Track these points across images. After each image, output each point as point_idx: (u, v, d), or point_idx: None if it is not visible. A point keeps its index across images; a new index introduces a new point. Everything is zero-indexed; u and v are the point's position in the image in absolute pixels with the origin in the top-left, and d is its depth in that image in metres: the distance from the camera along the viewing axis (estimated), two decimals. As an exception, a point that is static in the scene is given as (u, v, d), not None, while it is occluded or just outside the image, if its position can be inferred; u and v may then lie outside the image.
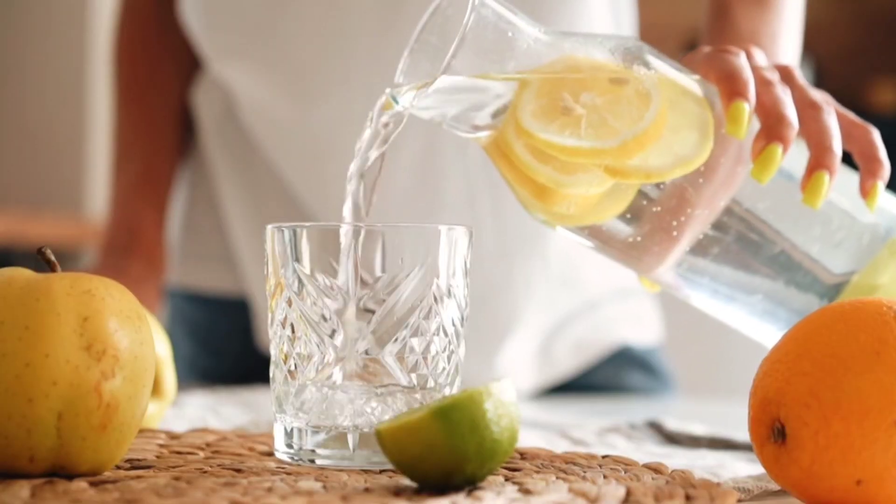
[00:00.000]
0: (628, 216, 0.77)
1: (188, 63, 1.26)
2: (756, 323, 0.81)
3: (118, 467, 0.69)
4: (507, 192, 1.15)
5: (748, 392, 0.66)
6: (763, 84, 0.78)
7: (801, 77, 0.81)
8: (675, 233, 0.77)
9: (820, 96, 0.80)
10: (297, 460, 0.71)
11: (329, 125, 1.15)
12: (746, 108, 0.75)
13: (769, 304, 0.80)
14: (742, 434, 0.83)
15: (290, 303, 0.71)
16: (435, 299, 0.70)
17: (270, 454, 0.74)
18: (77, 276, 0.65)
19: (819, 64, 3.54)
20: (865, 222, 0.79)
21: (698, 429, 0.89)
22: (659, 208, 0.77)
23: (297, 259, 0.71)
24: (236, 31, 1.16)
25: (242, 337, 1.26)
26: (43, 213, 3.03)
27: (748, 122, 0.75)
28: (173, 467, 0.69)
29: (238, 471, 0.68)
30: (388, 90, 0.76)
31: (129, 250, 1.23)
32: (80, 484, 0.63)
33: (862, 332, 0.63)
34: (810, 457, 0.62)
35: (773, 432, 0.63)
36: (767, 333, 0.82)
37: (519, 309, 1.19)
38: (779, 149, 0.75)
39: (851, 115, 0.80)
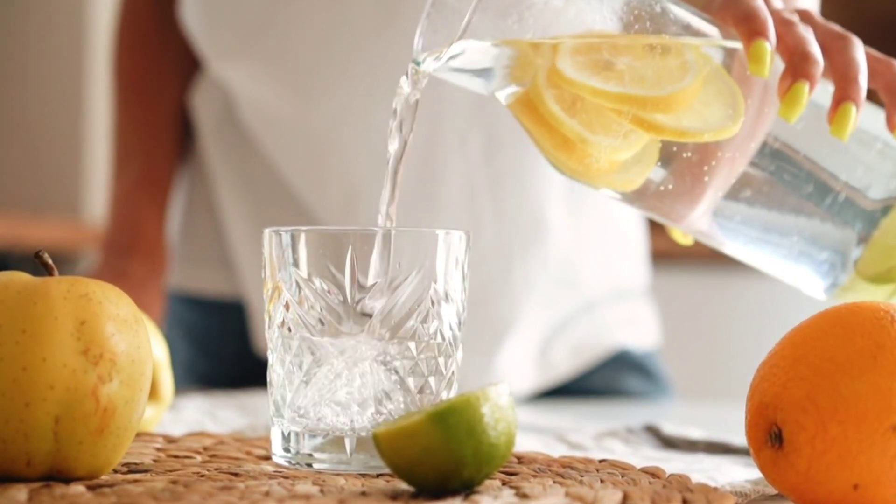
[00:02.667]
0: (658, 165, 0.77)
1: (187, 65, 1.27)
2: (793, 266, 0.80)
3: (115, 471, 0.69)
4: (507, 191, 1.15)
5: (745, 396, 0.66)
6: (783, 24, 0.77)
7: (821, 17, 0.81)
8: (706, 178, 0.77)
9: (843, 31, 0.79)
10: (294, 464, 0.71)
11: (329, 123, 1.15)
12: (767, 46, 0.75)
13: (805, 245, 0.79)
14: (739, 438, 0.83)
15: (287, 306, 0.71)
16: (432, 303, 0.70)
17: (268, 458, 0.74)
18: (74, 280, 0.65)
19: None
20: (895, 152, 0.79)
21: (695, 433, 0.89)
22: (689, 154, 0.76)
23: (295, 263, 0.71)
24: (236, 30, 1.16)
25: (239, 340, 1.25)
26: (41, 216, 3.03)
27: (771, 60, 0.75)
28: (170, 471, 0.69)
29: (235, 475, 0.68)
30: (412, 59, 0.76)
31: (131, 250, 1.23)
32: (78, 488, 0.63)
33: (859, 336, 0.63)
34: (807, 461, 0.62)
35: (770, 436, 0.63)
36: (805, 277, 0.81)
37: (518, 308, 1.19)
38: (805, 86, 0.75)
39: (874, 52, 0.80)
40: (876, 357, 0.62)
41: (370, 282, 0.69)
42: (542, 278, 1.19)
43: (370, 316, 0.70)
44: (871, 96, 0.79)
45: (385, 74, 1.13)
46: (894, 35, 3.58)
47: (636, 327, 1.28)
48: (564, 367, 1.24)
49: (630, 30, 0.75)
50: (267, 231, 0.72)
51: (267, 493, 0.63)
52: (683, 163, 0.76)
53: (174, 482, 0.65)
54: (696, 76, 0.75)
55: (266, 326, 0.73)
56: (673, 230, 0.85)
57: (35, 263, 0.68)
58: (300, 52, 1.14)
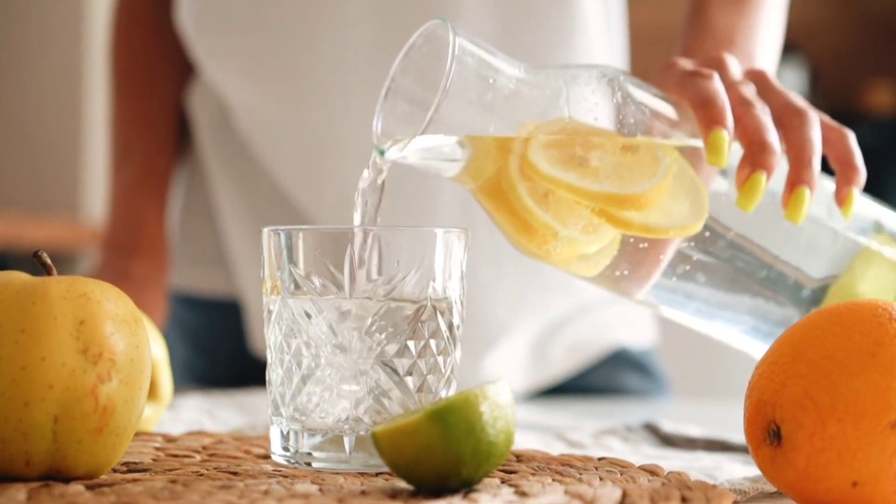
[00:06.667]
0: (617, 254, 0.77)
1: (183, 65, 1.27)
2: (741, 337, 0.82)
3: (115, 470, 0.69)
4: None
5: (744, 394, 0.66)
6: (741, 104, 0.77)
7: (776, 81, 0.81)
8: (660, 264, 0.77)
9: (799, 102, 0.79)
10: (293, 463, 0.71)
11: (322, 126, 1.15)
12: (726, 136, 0.75)
13: (753, 319, 0.80)
14: (738, 436, 0.83)
15: (286, 305, 0.71)
16: (431, 302, 0.70)
17: (267, 457, 0.74)
18: (73, 280, 0.65)
19: (815, 66, 3.55)
20: (841, 229, 0.79)
21: (694, 431, 0.89)
22: (646, 244, 0.77)
23: (293, 262, 0.71)
24: (225, 30, 1.16)
25: (236, 340, 1.25)
26: (39, 216, 3.03)
27: (728, 151, 0.75)
28: (170, 470, 0.69)
29: (234, 474, 0.68)
30: (374, 146, 0.76)
31: (133, 249, 1.23)
32: (77, 487, 0.63)
33: (857, 333, 0.63)
34: (806, 459, 0.62)
35: (768, 434, 0.63)
36: (753, 346, 0.82)
37: (512, 313, 1.18)
38: (763, 177, 0.75)
39: (827, 119, 0.80)
40: (874, 354, 0.62)
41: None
42: (536, 282, 1.19)
43: (369, 314, 0.70)
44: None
45: (379, 79, 1.13)
46: (893, 36, 3.58)
47: (633, 325, 1.28)
48: (562, 365, 1.24)
49: (593, 115, 0.75)
50: (266, 230, 0.72)
51: (266, 492, 0.63)
52: (640, 253, 0.77)
53: (173, 481, 0.65)
54: (666, 171, 0.76)
55: (265, 325, 0.73)
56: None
57: (34, 263, 0.68)
58: (292, 55, 1.14)
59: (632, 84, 0.77)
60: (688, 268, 0.78)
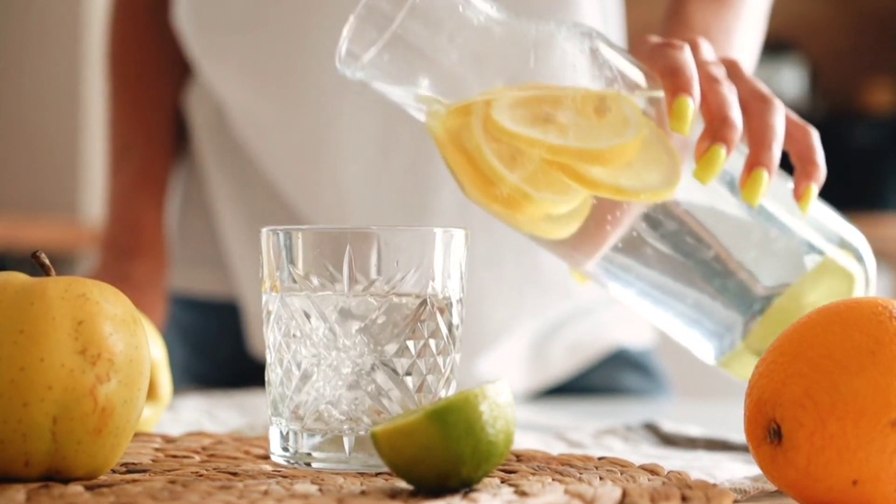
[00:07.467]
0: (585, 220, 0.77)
1: (181, 66, 1.26)
2: (682, 328, 0.81)
3: (114, 471, 0.69)
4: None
5: (744, 393, 0.66)
6: (708, 81, 0.77)
7: (748, 71, 0.81)
8: (608, 227, 0.77)
9: (767, 91, 0.79)
10: (293, 463, 0.71)
11: (318, 127, 1.14)
12: (691, 104, 0.75)
13: (695, 312, 0.79)
14: (738, 435, 0.83)
15: (285, 305, 0.71)
16: (430, 302, 0.70)
17: (266, 457, 0.74)
18: (72, 280, 0.65)
19: (814, 64, 3.55)
20: (799, 236, 0.79)
21: (694, 430, 0.89)
22: (612, 212, 0.76)
23: (292, 262, 0.71)
24: (222, 29, 1.16)
25: (235, 341, 1.25)
26: (38, 217, 3.03)
27: (693, 118, 0.75)
28: (169, 471, 0.69)
29: (234, 474, 0.68)
30: (337, 59, 0.75)
31: (132, 250, 1.23)
32: (76, 488, 0.63)
33: (857, 332, 0.63)
34: (806, 457, 0.62)
35: (769, 433, 0.63)
36: (694, 341, 0.81)
37: (511, 314, 1.18)
38: (722, 149, 0.75)
39: (793, 115, 0.80)
40: (874, 353, 0.62)
41: None
42: (534, 286, 1.19)
43: (368, 314, 0.70)
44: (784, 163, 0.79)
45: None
46: (892, 34, 3.59)
47: (632, 325, 1.28)
48: (562, 366, 1.24)
49: (565, 73, 0.75)
50: (264, 230, 0.72)
51: (266, 493, 0.63)
52: (603, 220, 0.76)
53: (173, 482, 0.65)
54: (636, 133, 0.75)
55: (264, 325, 0.73)
56: (573, 271, 0.85)
57: (32, 264, 0.68)
58: (288, 53, 1.14)
59: (606, 44, 0.77)
60: (640, 246, 0.77)
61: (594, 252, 0.78)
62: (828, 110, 3.47)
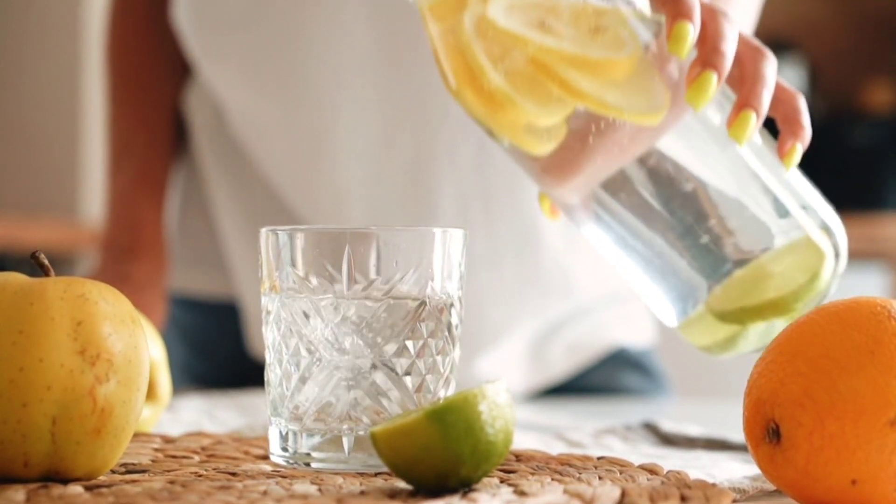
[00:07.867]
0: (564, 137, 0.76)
1: (180, 65, 1.26)
2: (648, 284, 0.80)
3: (113, 471, 0.69)
4: (499, 199, 1.15)
5: (743, 393, 0.66)
6: (709, 14, 0.77)
7: (746, 32, 0.81)
8: (588, 150, 0.76)
9: (762, 46, 0.80)
10: (292, 464, 0.71)
11: (317, 128, 1.14)
12: (691, 28, 0.75)
13: (664, 266, 0.78)
14: (737, 435, 0.83)
15: (284, 305, 0.71)
16: (429, 302, 0.70)
17: (266, 458, 0.74)
18: (71, 281, 0.65)
19: (814, 64, 3.55)
20: (779, 206, 0.78)
21: (693, 430, 0.89)
22: (592, 132, 0.76)
23: (292, 262, 0.71)
24: (221, 29, 1.16)
25: (234, 342, 1.25)
26: (37, 217, 3.03)
27: (692, 42, 0.75)
28: (168, 471, 0.69)
29: (233, 474, 0.68)
30: None
31: (132, 251, 1.23)
32: (75, 488, 0.63)
33: (856, 331, 0.63)
34: (805, 457, 0.62)
35: (767, 433, 0.63)
36: (658, 299, 0.80)
37: (510, 315, 1.18)
38: (713, 76, 0.75)
39: (784, 81, 0.81)
40: (873, 353, 0.62)
41: None
42: (534, 286, 1.19)
43: (367, 314, 0.70)
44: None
45: (376, 77, 1.13)
46: (892, 34, 3.59)
47: (632, 325, 1.28)
48: (561, 366, 1.24)
49: None
50: (264, 230, 0.72)
51: (265, 493, 0.63)
52: (586, 144, 0.76)
53: (172, 482, 0.65)
54: (630, 54, 0.75)
55: (263, 325, 0.73)
56: (543, 201, 0.84)
57: (32, 264, 0.68)
58: (287, 53, 1.14)
59: None
60: (620, 187, 0.77)
61: (569, 175, 0.77)
62: (827, 110, 3.47)
